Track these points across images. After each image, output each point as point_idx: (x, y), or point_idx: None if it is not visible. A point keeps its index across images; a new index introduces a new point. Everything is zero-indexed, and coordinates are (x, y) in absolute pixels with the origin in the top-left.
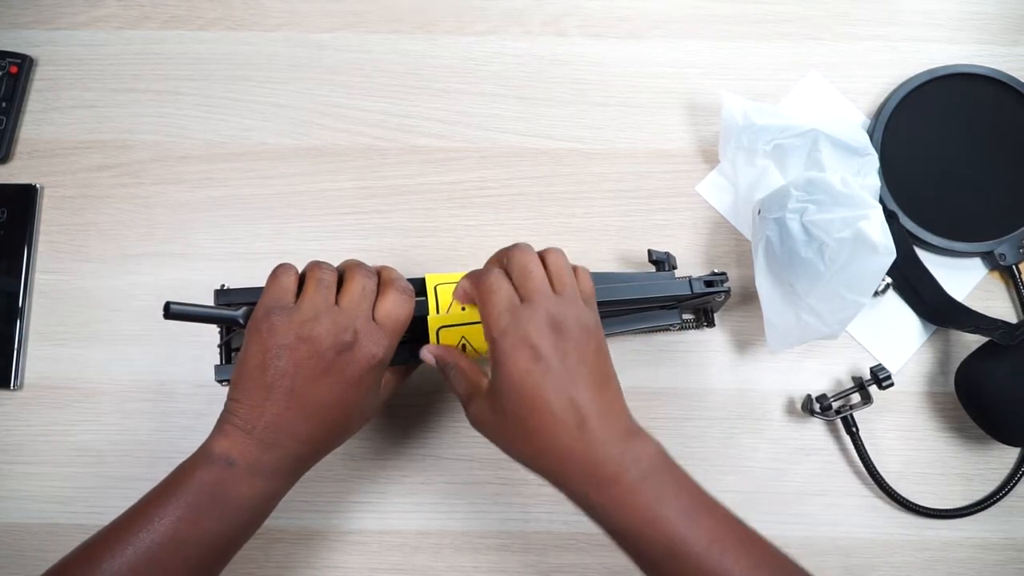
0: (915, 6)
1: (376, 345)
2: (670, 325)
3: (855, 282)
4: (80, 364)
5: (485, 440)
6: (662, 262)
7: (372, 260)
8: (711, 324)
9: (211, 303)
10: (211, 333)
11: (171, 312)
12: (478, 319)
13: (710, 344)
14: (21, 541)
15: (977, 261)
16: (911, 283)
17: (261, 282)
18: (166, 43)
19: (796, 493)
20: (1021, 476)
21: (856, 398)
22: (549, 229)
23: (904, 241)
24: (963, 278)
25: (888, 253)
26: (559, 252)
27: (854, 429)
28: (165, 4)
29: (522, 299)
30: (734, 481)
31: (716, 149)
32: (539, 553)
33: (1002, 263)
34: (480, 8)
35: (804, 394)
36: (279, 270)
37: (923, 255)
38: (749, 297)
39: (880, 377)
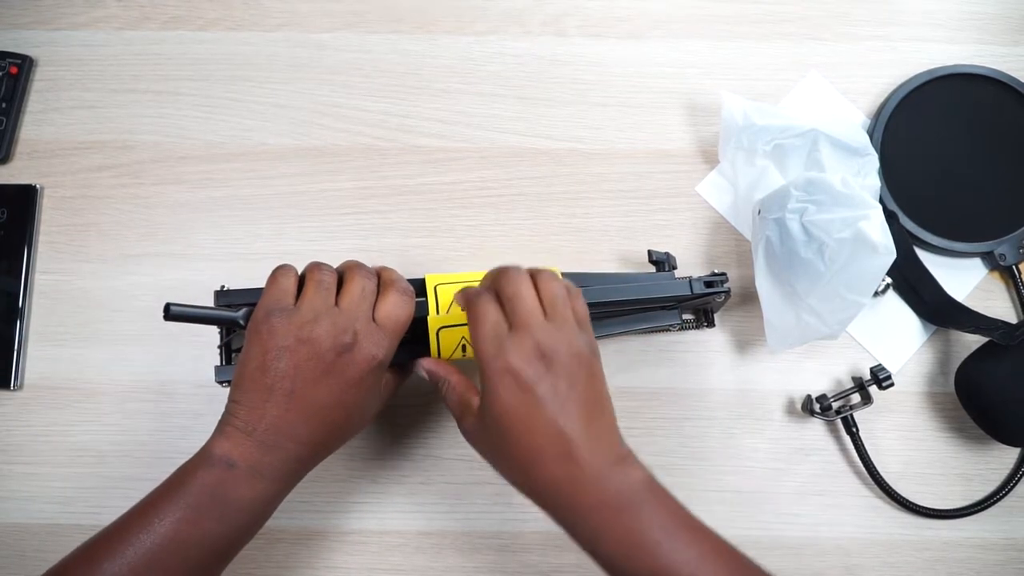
0: (915, 6)
1: (376, 346)
2: (670, 325)
3: (855, 282)
4: (80, 364)
5: None
6: (662, 262)
7: (372, 260)
8: (711, 324)
9: (211, 304)
10: (211, 333)
11: (171, 313)
12: None
13: (710, 344)
14: (21, 541)
15: (977, 261)
16: (911, 283)
17: (261, 282)
18: (166, 43)
19: (796, 493)
20: (1021, 476)
21: (856, 398)
22: (549, 229)
23: (904, 241)
24: (963, 278)
25: (888, 253)
26: (552, 275)
27: (854, 429)
28: (165, 4)
29: (511, 326)
30: (734, 481)
31: (716, 149)
32: (539, 553)
33: (1002, 263)
34: (480, 8)
35: (804, 394)
36: (279, 272)
37: (923, 255)
38: (749, 297)
39: (880, 377)
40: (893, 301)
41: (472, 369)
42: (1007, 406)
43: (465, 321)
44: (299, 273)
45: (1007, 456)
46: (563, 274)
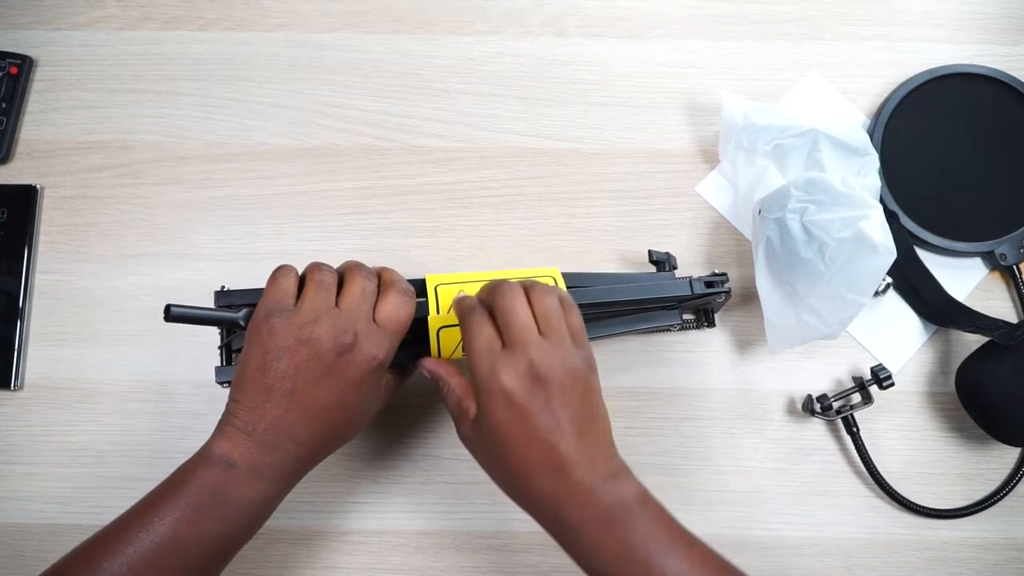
0: (915, 6)
1: (376, 347)
2: (671, 325)
3: (855, 282)
4: (80, 364)
5: None
6: (662, 262)
7: (372, 260)
8: (711, 324)
9: (211, 304)
10: (211, 334)
11: (172, 314)
12: None
13: (710, 344)
14: (21, 541)
15: (977, 261)
16: (911, 283)
17: (261, 282)
18: (166, 43)
19: (796, 493)
20: (1021, 476)
21: (856, 398)
22: (549, 229)
23: (904, 241)
24: (963, 278)
25: (888, 253)
26: (545, 289)
27: (854, 429)
28: (165, 4)
29: (505, 343)
30: (734, 481)
31: (716, 149)
32: (539, 553)
33: (1002, 263)
34: (480, 8)
35: (804, 394)
36: (279, 272)
37: (923, 255)
38: (749, 297)
39: (880, 377)
40: (893, 301)
41: None
42: (1007, 406)
43: None
44: (299, 273)
45: (1007, 456)
46: (563, 274)
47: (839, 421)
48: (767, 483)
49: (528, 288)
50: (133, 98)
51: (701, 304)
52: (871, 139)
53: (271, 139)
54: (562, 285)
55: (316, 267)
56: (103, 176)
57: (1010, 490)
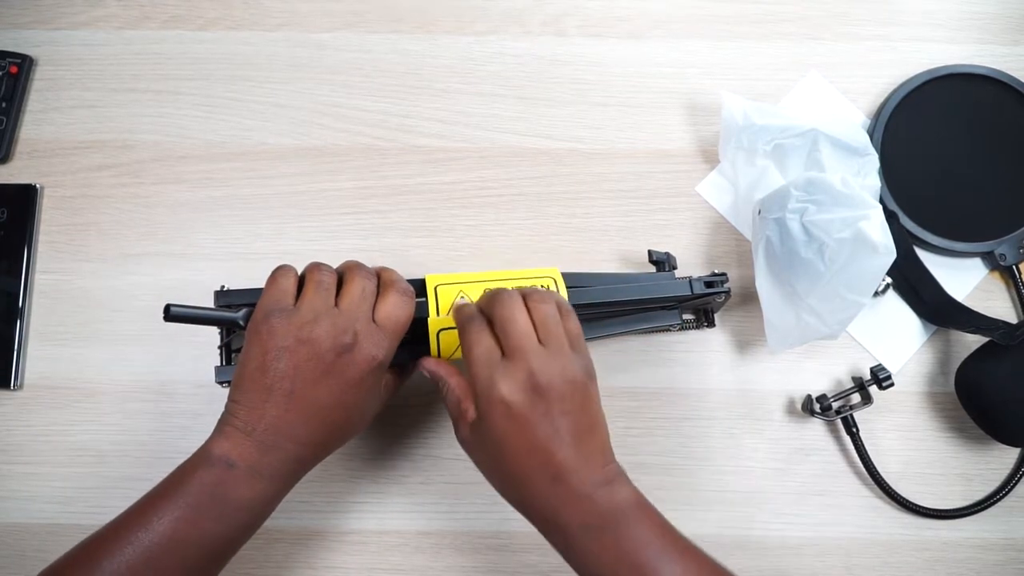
0: (915, 6)
1: (376, 347)
2: (670, 325)
3: (855, 282)
4: (80, 364)
5: None
6: (662, 262)
7: (372, 260)
8: (711, 324)
9: (211, 304)
10: (211, 333)
11: (172, 314)
12: None
13: (710, 344)
14: (21, 541)
15: (977, 261)
16: (911, 283)
17: (261, 282)
18: (166, 43)
19: (796, 493)
20: (1021, 476)
21: (856, 398)
22: (549, 229)
23: (904, 241)
24: (963, 278)
25: (888, 253)
26: (543, 295)
27: (854, 429)
28: (165, 4)
29: (504, 352)
30: (734, 481)
31: (716, 149)
32: (539, 553)
33: (1002, 263)
34: (480, 8)
35: (804, 394)
36: (278, 272)
37: (923, 255)
38: (749, 297)
39: (880, 377)
40: (893, 301)
41: None
42: (1007, 406)
43: None
44: (299, 273)
45: (1007, 456)
46: (563, 274)
47: (839, 421)
48: (767, 483)
49: (526, 295)
50: (133, 97)
51: (701, 304)
52: (871, 139)
53: (271, 139)
54: (562, 285)
55: (315, 267)
56: (103, 176)
57: (1010, 490)
